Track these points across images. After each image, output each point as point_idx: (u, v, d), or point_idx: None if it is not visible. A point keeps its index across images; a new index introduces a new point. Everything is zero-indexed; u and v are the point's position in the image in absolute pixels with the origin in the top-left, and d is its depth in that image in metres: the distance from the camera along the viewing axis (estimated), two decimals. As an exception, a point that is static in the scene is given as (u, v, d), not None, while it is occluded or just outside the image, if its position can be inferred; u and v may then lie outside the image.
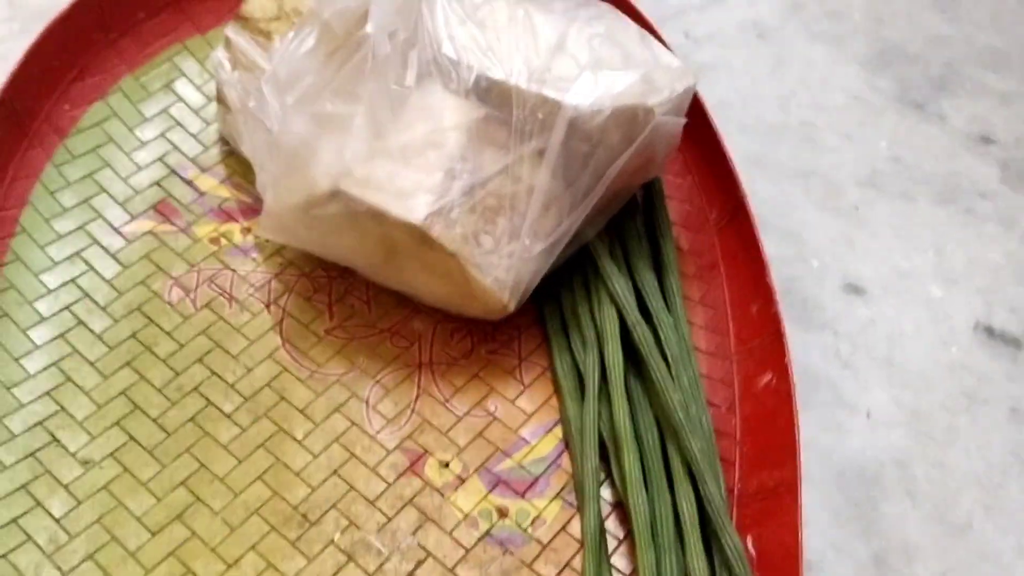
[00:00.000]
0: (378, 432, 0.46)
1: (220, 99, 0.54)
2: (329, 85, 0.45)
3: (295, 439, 0.45)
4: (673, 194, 0.55)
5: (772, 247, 0.54)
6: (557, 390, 0.48)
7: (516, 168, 0.45)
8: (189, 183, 0.54)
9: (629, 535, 0.43)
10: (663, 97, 0.47)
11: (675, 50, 0.57)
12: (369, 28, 0.44)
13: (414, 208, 0.43)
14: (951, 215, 0.60)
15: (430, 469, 0.45)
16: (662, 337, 0.46)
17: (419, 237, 0.44)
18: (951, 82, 0.67)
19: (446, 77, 0.45)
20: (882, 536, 0.46)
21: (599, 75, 0.46)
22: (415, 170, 0.44)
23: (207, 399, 0.46)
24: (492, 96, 0.45)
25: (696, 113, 0.55)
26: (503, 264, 0.45)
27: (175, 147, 0.55)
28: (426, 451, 0.45)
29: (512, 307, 0.46)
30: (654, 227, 0.53)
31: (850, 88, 0.66)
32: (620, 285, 0.48)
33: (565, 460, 0.46)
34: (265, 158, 0.49)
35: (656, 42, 0.50)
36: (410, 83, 0.45)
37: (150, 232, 0.52)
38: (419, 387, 0.47)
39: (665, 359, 0.46)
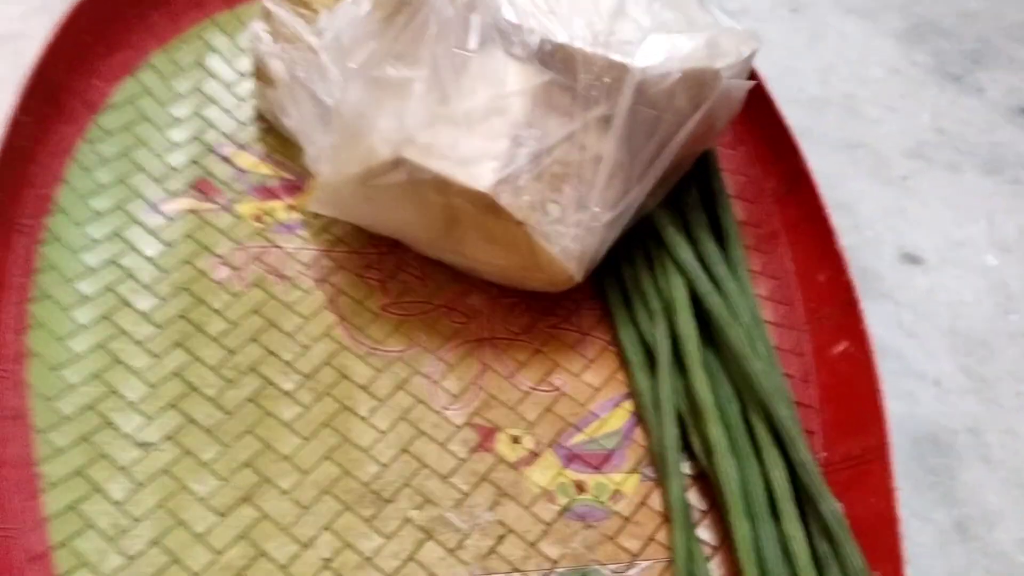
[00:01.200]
0: (445, 408, 0.44)
1: (259, 73, 0.52)
2: (390, 49, 0.44)
3: (360, 416, 0.43)
4: (727, 166, 0.54)
5: (827, 218, 0.53)
6: (624, 363, 0.46)
7: (582, 135, 0.44)
8: (228, 161, 0.52)
9: (713, 507, 0.42)
10: (730, 60, 0.46)
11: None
12: None
13: (480, 175, 0.42)
14: (998, 185, 0.59)
15: (502, 444, 0.43)
16: (733, 305, 0.45)
17: (484, 206, 0.43)
18: (985, 55, 0.67)
19: (508, 41, 0.44)
20: (962, 503, 0.46)
21: (664, 38, 0.45)
22: (480, 137, 0.43)
23: (265, 378, 0.44)
24: (555, 61, 0.44)
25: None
26: (570, 233, 0.44)
27: (211, 124, 0.53)
28: (496, 426, 0.44)
29: (579, 278, 0.45)
30: (712, 197, 0.52)
31: (888, 61, 0.66)
32: (686, 254, 0.47)
33: (638, 434, 0.44)
34: (316, 130, 0.47)
35: (714, 7, 0.49)
36: (473, 47, 0.43)
37: (191, 210, 0.50)
38: (482, 362, 0.46)
39: (740, 326, 0.45)
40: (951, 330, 0.52)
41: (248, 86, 0.55)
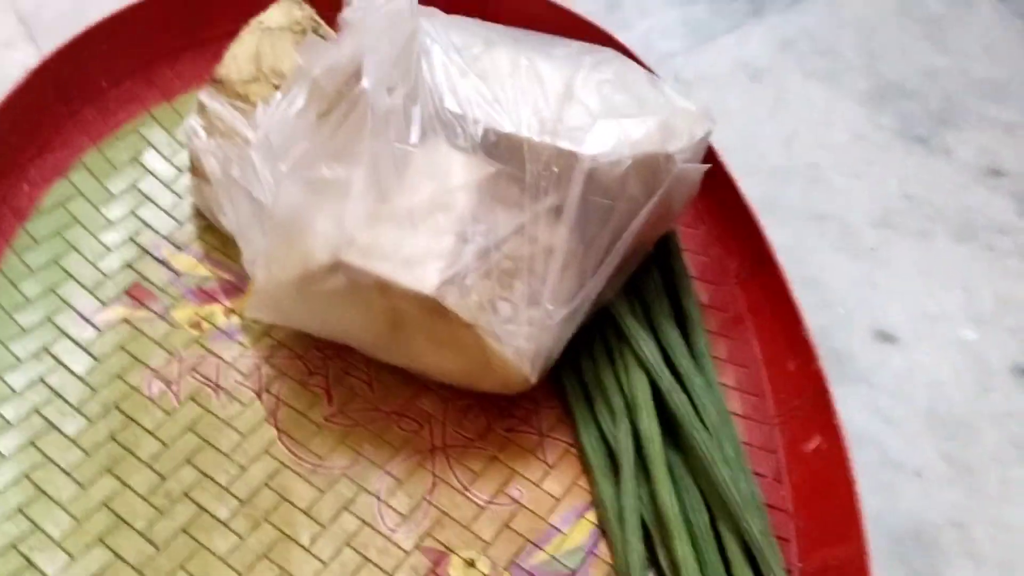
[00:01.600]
0: (393, 531, 0.41)
1: (195, 170, 0.50)
2: (325, 148, 0.42)
3: (301, 545, 0.40)
4: (687, 245, 0.52)
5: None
6: (587, 469, 0.43)
7: (532, 227, 0.42)
8: (164, 263, 0.49)
9: (683, 630, 0.39)
10: (683, 143, 0.43)
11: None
12: (365, 83, 0.40)
13: (425, 276, 0.39)
14: (973, 252, 0.57)
15: (454, 570, 0.40)
16: (698, 403, 0.43)
17: (430, 308, 0.40)
18: (953, 115, 0.65)
19: (451, 133, 0.42)
20: (951, 608, 0.43)
21: (614, 123, 0.43)
22: (423, 235, 0.40)
23: (199, 505, 0.41)
24: (502, 151, 0.42)
25: (706, 158, 0.52)
26: (523, 333, 0.41)
27: (146, 224, 0.51)
28: (448, 549, 0.41)
29: (534, 379, 0.42)
30: (673, 282, 0.49)
31: (852, 126, 0.64)
32: (648, 348, 0.44)
33: (602, 548, 0.41)
34: (252, 231, 0.44)
35: (667, 85, 0.47)
36: (414, 140, 0.41)
37: (124, 320, 0.47)
38: (434, 475, 0.43)
39: (706, 427, 0.42)
40: (930, 413, 0.49)
41: (187, 182, 0.52)
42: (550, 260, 0.42)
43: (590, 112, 0.43)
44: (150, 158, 0.53)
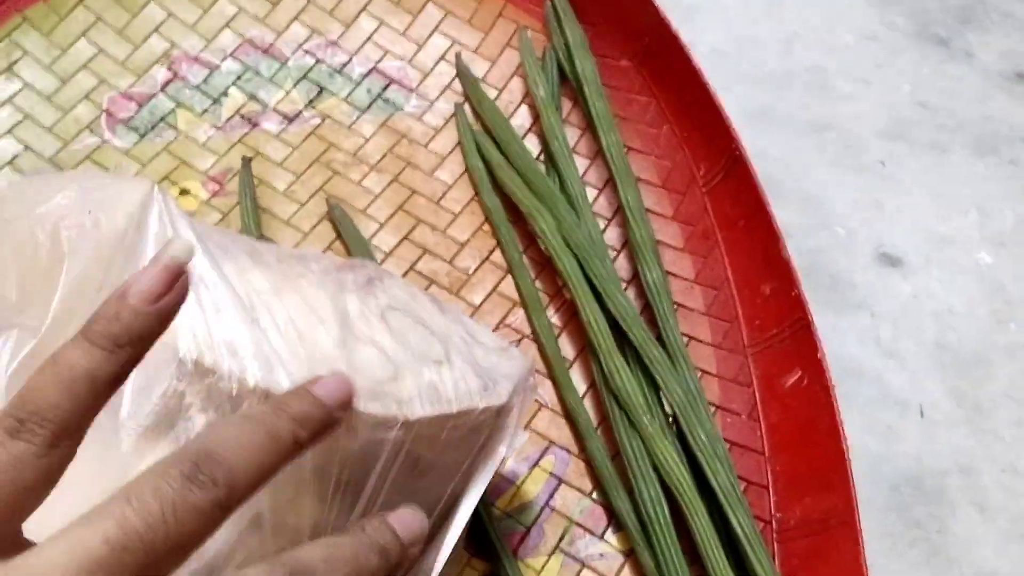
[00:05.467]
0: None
1: None
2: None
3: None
4: (648, 148, 0.47)
5: (789, 215, 0.47)
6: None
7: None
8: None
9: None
10: (505, 390, 0.32)
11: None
12: None
13: None
14: (991, 167, 0.52)
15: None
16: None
17: None
18: (975, 13, 0.60)
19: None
20: (953, 562, 0.39)
21: (426, 371, 0.30)
22: None
23: None
24: None
25: (667, 50, 0.47)
26: None
27: (28, 147, 0.47)
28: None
29: None
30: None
31: (861, 26, 0.58)
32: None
33: (559, 500, 0.38)
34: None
35: (453, 307, 0.36)
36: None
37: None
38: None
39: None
40: (938, 346, 0.45)
41: (68, 95, 0.48)
42: None
43: (388, 356, 0.30)
44: (27, 69, 0.49)
